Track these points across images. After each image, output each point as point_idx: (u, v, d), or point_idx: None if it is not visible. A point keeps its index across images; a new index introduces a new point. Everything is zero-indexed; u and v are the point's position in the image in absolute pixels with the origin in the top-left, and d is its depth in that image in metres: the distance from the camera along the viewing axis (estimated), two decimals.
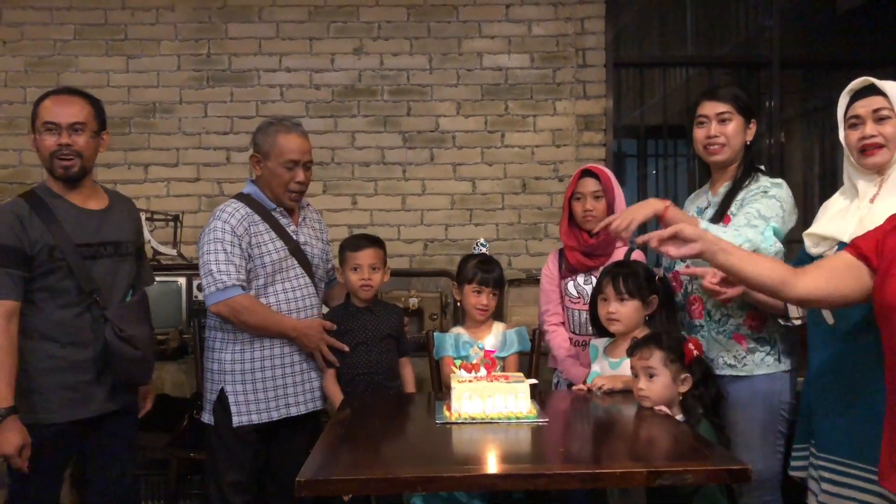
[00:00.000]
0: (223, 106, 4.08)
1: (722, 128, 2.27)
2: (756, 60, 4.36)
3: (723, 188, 2.33)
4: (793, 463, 2.11)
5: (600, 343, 2.42)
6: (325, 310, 2.70)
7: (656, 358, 2.04)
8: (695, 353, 2.06)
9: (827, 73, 4.56)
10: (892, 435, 1.63)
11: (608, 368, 2.32)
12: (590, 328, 2.52)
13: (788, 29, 4.32)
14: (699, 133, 2.32)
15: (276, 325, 2.44)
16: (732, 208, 2.26)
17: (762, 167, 2.36)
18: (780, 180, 2.28)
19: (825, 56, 4.50)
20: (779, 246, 2.19)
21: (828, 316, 1.93)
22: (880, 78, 1.95)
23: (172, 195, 4.05)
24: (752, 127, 2.32)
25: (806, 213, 4.71)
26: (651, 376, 2.04)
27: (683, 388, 2.04)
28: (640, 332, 2.30)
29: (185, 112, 4.07)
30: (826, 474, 1.93)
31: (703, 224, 2.13)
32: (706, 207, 2.37)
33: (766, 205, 2.19)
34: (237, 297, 2.39)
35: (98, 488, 2.34)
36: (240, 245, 2.42)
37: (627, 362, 2.26)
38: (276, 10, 4.07)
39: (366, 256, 2.56)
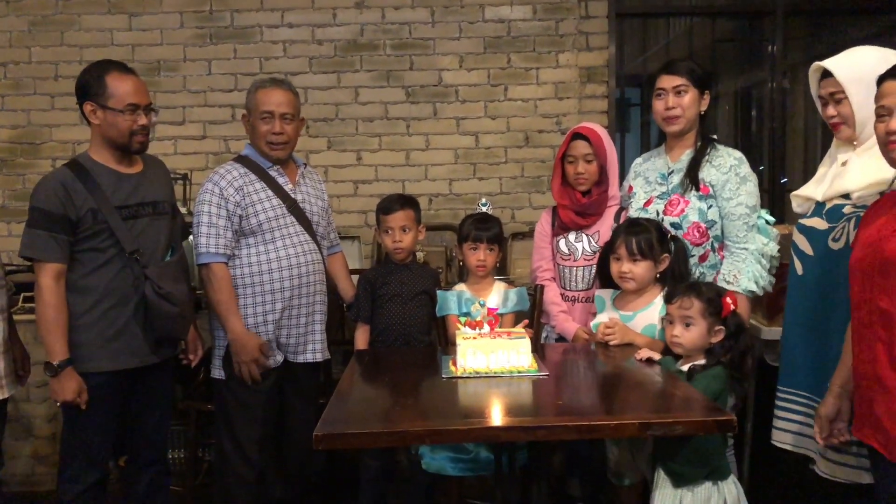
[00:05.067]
0: (227, 63, 4.09)
1: (678, 99, 2.48)
2: (759, 9, 4.33)
3: (684, 155, 2.54)
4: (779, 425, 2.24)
5: (606, 294, 2.49)
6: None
7: (696, 308, 2.11)
8: (732, 307, 2.13)
9: (831, 20, 4.53)
10: (859, 397, 1.76)
11: (620, 322, 2.39)
12: (579, 284, 2.64)
13: None
14: (658, 105, 2.52)
15: (225, 314, 2.51)
16: (706, 177, 2.47)
17: (715, 136, 2.58)
18: (739, 154, 2.50)
19: (829, 4, 4.45)
20: (774, 232, 2.48)
21: (798, 267, 2.15)
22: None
23: (180, 153, 4.10)
24: (706, 98, 2.52)
25: (807, 160, 4.78)
26: (688, 325, 2.11)
27: (716, 340, 2.11)
28: (652, 289, 2.39)
29: (190, 70, 4.09)
30: (791, 405, 2.17)
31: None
32: (670, 173, 2.56)
33: (746, 193, 2.44)
34: (212, 265, 2.51)
35: (138, 436, 2.50)
36: (226, 207, 2.51)
37: (641, 316, 2.36)
38: None
39: (396, 219, 2.67)
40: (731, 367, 2.11)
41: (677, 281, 2.36)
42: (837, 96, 2.03)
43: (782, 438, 2.21)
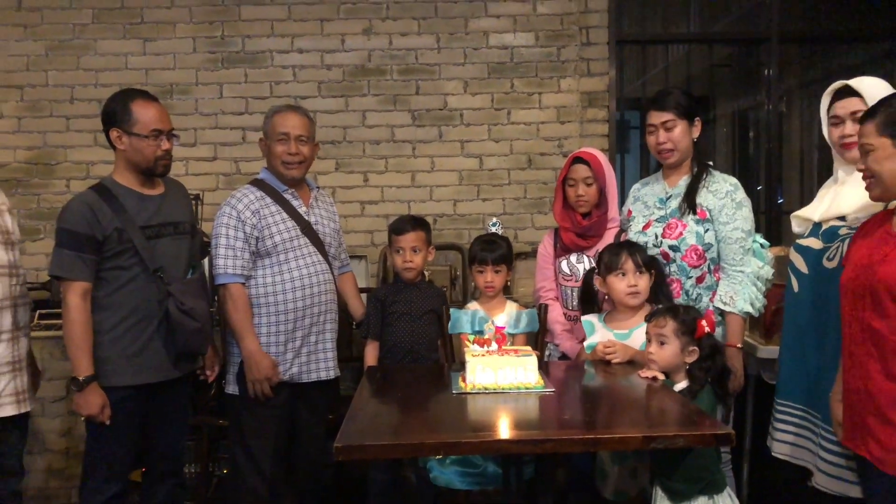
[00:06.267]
0: (238, 87, 4.21)
1: (669, 134, 2.57)
2: (755, 36, 4.45)
3: (681, 181, 2.64)
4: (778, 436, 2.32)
5: (594, 318, 2.56)
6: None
7: (669, 328, 2.21)
8: (706, 329, 2.21)
9: (825, 47, 4.66)
10: (850, 409, 1.84)
11: (619, 341, 2.46)
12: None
13: (787, 4, 4.40)
14: (650, 140, 2.62)
15: (242, 332, 2.60)
16: (703, 202, 2.56)
17: (711, 162, 2.69)
18: (734, 180, 2.59)
19: (823, 31, 4.59)
20: (768, 255, 2.57)
21: (794, 285, 2.23)
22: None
23: (192, 174, 4.19)
24: (697, 124, 2.60)
25: (803, 182, 4.89)
26: (662, 343, 2.21)
27: (689, 359, 2.20)
28: (645, 305, 2.48)
29: (202, 93, 4.20)
30: (786, 417, 2.25)
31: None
32: (668, 198, 2.65)
33: (742, 218, 2.54)
34: (230, 285, 2.61)
35: (155, 449, 2.58)
36: (244, 230, 2.61)
37: (637, 332, 2.43)
38: None
39: (407, 240, 2.77)
40: (713, 385, 2.21)
41: (665, 297, 2.47)
42: (859, 115, 2.02)
43: (780, 449, 2.29)
